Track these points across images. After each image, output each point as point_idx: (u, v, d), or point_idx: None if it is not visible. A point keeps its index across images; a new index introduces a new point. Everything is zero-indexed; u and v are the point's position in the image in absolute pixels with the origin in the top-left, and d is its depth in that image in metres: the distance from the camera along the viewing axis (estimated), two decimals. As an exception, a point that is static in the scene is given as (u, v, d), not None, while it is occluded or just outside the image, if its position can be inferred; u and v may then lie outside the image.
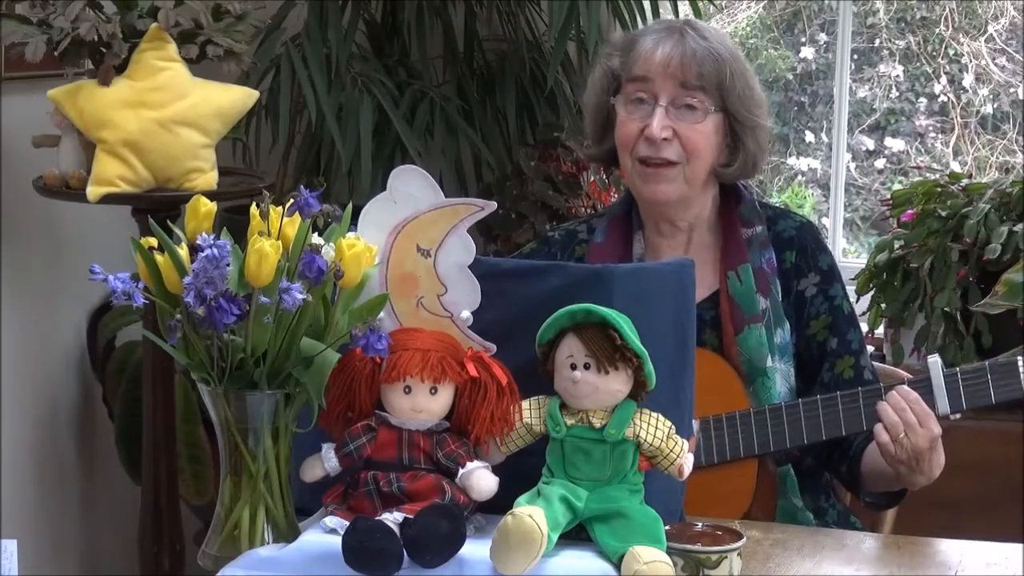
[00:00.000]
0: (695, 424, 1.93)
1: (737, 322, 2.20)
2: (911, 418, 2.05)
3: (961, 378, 2.09)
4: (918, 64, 4.12)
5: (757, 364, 2.18)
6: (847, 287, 2.32)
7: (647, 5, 3.25)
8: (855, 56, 3.95)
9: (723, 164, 2.24)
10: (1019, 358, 2.09)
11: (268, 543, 1.61)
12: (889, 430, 2.06)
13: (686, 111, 2.19)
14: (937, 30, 4.08)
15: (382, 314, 1.64)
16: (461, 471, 1.63)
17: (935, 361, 2.11)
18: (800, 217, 2.32)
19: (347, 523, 1.57)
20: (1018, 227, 3.05)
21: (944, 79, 4.11)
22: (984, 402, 2.09)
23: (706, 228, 2.29)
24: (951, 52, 4.08)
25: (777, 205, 2.36)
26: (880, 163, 4.18)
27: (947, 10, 4.04)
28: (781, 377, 2.20)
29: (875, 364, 2.44)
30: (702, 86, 2.18)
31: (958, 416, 2.09)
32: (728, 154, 2.24)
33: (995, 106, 4.07)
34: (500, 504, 1.60)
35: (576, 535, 1.61)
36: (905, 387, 2.09)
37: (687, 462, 1.64)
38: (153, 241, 1.61)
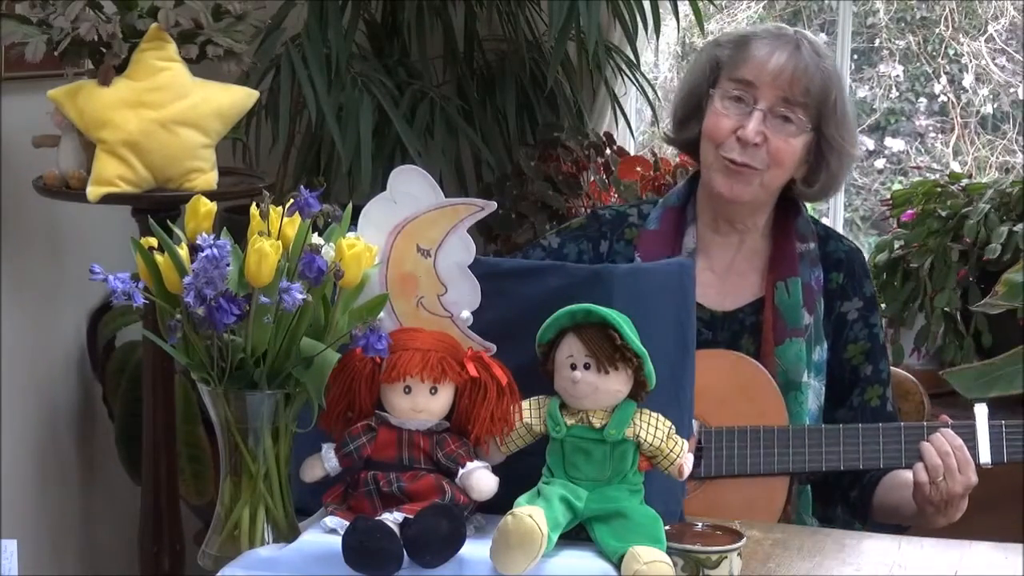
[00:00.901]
0: (695, 424, 1.93)
1: (779, 333, 2.20)
2: (953, 463, 2.06)
3: (1005, 431, 2.09)
4: (918, 64, 4.13)
5: (793, 378, 2.18)
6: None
7: (647, 5, 3.25)
8: (855, 56, 3.95)
9: (803, 181, 2.24)
10: None
11: (268, 543, 1.60)
12: (929, 471, 2.07)
13: (782, 122, 2.18)
14: (937, 30, 4.08)
15: (382, 314, 1.64)
16: (461, 471, 1.62)
17: (982, 409, 2.10)
18: (849, 241, 2.33)
19: (347, 523, 1.57)
20: (1018, 227, 3.05)
21: (944, 79, 4.11)
22: (1022, 457, 2.09)
23: (759, 235, 2.28)
24: (951, 52, 4.09)
25: (828, 225, 2.36)
26: (880, 163, 4.18)
27: (947, 10, 4.05)
28: (813, 394, 2.20)
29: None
30: (805, 103, 2.17)
31: (992, 467, 2.09)
32: (808, 172, 2.24)
33: (995, 106, 4.07)
34: (500, 504, 1.60)
35: (576, 535, 1.61)
36: (950, 431, 2.09)
37: (687, 462, 1.64)
38: (153, 241, 1.61)
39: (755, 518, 2.03)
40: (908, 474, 2.11)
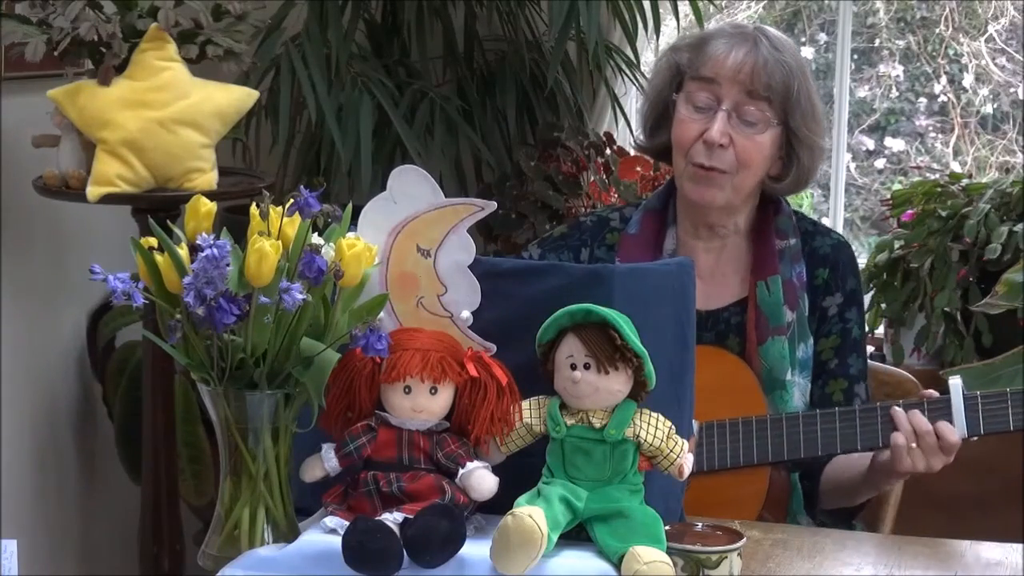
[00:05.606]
0: (695, 425, 1.93)
1: (761, 332, 2.19)
2: (932, 441, 2.05)
3: (981, 402, 2.08)
4: (918, 64, 4.13)
5: (777, 376, 2.18)
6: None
7: (647, 5, 3.26)
8: (855, 56, 3.95)
9: (774, 177, 2.23)
10: None
11: (268, 543, 1.60)
12: (907, 436, 2.04)
13: (747, 123, 2.17)
14: (937, 30, 4.08)
15: (382, 314, 1.64)
16: (461, 471, 1.62)
17: (956, 383, 2.10)
18: (837, 235, 2.32)
19: (347, 523, 1.57)
20: (1018, 227, 3.05)
21: (944, 79, 4.11)
22: (1001, 427, 2.08)
23: (742, 236, 2.28)
24: (951, 52, 4.09)
25: (816, 220, 2.35)
26: (880, 163, 4.18)
27: (947, 10, 4.05)
28: (799, 391, 2.20)
29: (877, 364, 2.43)
30: (768, 97, 2.17)
31: (975, 439, 2.09)
32: (781, 167, 2.23)
33: (995, 106, 4.08)
34: (500, 504, 1.60)
35: (576, 535, 1.61)
36: (919, 414, 2.07)
37: (687, 462, 1.64)
38: (153, 241, 1.61)
39: (737, 511, 2.04)
40: (858, 456, 2.12)
